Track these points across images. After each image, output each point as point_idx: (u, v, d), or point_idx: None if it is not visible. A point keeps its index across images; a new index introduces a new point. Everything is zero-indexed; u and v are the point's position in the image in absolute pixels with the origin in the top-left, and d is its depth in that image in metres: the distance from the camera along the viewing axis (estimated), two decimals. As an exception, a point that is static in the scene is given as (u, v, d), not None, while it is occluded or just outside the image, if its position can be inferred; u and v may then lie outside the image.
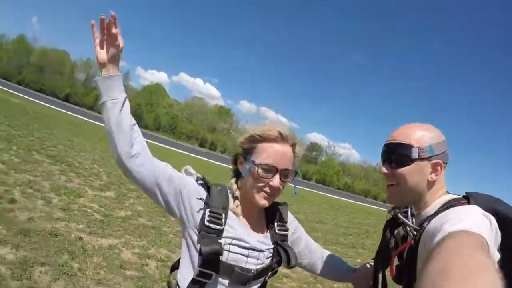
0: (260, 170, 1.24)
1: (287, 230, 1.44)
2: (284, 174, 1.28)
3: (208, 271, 1.21)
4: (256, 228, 1.37)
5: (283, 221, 1.44)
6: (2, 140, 8.46)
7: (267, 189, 1.27)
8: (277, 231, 1.40)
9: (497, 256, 0.93)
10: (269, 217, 1.43)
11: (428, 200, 1.19)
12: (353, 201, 41.45)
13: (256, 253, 1.31)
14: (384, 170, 1.23)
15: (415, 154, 1.15)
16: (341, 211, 21.91)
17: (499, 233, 0.95)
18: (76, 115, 31.31)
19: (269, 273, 1.39)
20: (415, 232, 1.13)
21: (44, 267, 3.37)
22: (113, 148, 1.22)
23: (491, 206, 1.04)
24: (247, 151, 1.31)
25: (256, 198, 1.29)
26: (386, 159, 1.23)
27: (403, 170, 1.17)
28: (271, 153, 1.26)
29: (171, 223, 6.63)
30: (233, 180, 1.40)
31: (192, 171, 1.40)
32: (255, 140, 1.29)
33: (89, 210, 5.63)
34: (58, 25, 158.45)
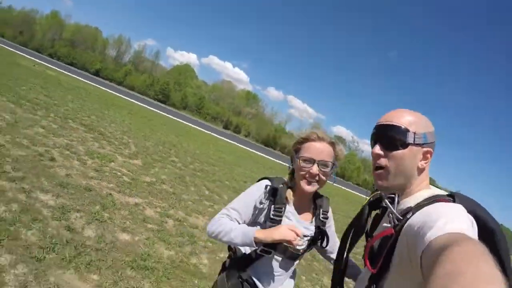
0: (301, 161, 1.65)
1: (327, 218, 1.80)
2: (322, 164, 1.64)
3: (269, 249, 1.63)
4: (304, 216, 1.78)
5: (325, 211, 1.80)
6: (41, 108, 9.17)
7: (308, 176, 1.64)
8: (321, 217, 1.77)
9: None
10: (316, 206, 1.81)
11: (412, 189, 1.20)
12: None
13: (303, 237, 1.73)
14: (378, 150, 1.21)
15: (410, 138, 1.16)
16: (355, 204, 21.65)
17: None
18: (106, 89, 32.40)
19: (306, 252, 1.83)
20: (397, 222, 1.11)
21: (79, 213, 3.96)
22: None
23: (473, 209, 1.03)
24: (296, 151, 1.72)
25: (301, 185, 1.67)
26: (379, 140, 1.22)
27: (397, 153, 1.17)
28: (310, 149, 1.66)
29: (190, 193, 7.22)
30: (289, 176, 1.81)
31: (262, 184, 1.75)
32: (300, 142, 1.71)
33: (118, 173, 6.25)
34: (90, 2, 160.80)
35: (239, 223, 1.67)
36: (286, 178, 1.81)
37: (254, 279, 1.69)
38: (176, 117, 36.19)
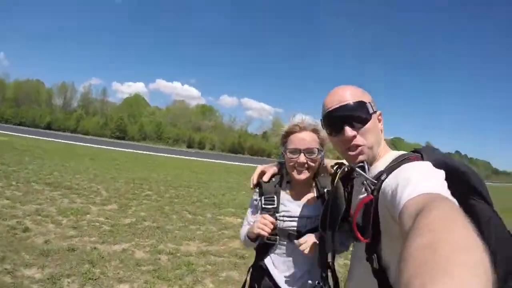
0: (288, 153, 1.77)
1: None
2: (308, 152, 1.74)
3: (273, 236, 1.78)
4: (306, 198, 1.86)
5: (324, 187, 1.83)
6: (0, 178, 8.79)
7: (297, 165, 1.75)
8: (326, 197, 1.77)
9: None
10: (320, 187, 1.85)
11: (378, 153, 1.25)
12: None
13: (304, 219, 1.80)
14: (350, 132, 1.20)
15: (370, 109, 1.21)
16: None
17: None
18: (61, 141, 31.32)
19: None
20: (373, 187, 1.13)
21: (70, 278, 3.83)
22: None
23: (442, 160, 1.08)
24: (283, 145, 1.83)
25: (293, 175, 1.79)
26: (347, 122, 1.21)
27: (367, 126, 1.21)
28: (294, 140, 1.77)
29: (174, 222, 7.14)
30: (284, 170, 1.90)
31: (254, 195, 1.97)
32: (284, 135, 1.83)
33: (97, 224, 6.08)
34: (25, 55, 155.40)
35: None
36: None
37: (268, 265, 1.84)
38: (138, 149, 35.45)
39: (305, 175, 1.77)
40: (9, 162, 11.90)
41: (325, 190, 1.82)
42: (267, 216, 1.75)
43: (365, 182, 1.17)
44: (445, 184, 0.93)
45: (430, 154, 1.13)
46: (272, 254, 1.85)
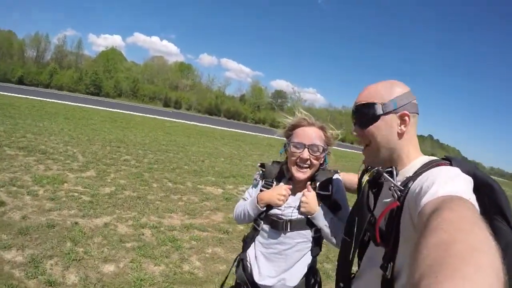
0: (292, 147, 1.73)
1: (328, 190, 1.77)
2: (312, 149, 1.70)
3: (258, 220, 1.84)
4: (300, 194, 1.78)
5: (325, 184, 1.78)
6: (-33, 142, 8.23)
7: (299, 161, 1.71)
8: (318, 190, 1.76)
9: None
10: (317, 185, 1.79)
11: (404, 158, 1.22)
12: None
13: (290, 209, 1.77)
14: (354, 131, 1.28)
15: (379, 110, 1.20)
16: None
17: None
18: (34, 97, 29.85)
19: (309, 227, 1.77)
20: (399, 193, 1.10)
21: (52, 259, 3.68)
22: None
23: (472, 170, 1.05)
24: (287, 137, 1.81)
25: (293, 171, 1.75)
26: (355, 121, 1.29)
27: (371, 127, 1.22)
28: (300, 134, 1.74)
29: (154, 190, 7.02)
30: (285, 167, 1.86)
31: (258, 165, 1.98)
32: (290, 128, 1.80)
33: (75, 194, 5.87)
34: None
35: None
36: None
37: (250, 258, 1.85)
38: (114, 108, 34.26)
39: (305, 174, 1.74)
40: (-22, 123, 11.16)
41: (317, 185, 1.78)
42: (288, 190, 1.78)
43: (392, 188, 1.14)
44: (471, 190, 0.91)
45: (460, 163, 1.10)
46: (257, 245, 1.85)
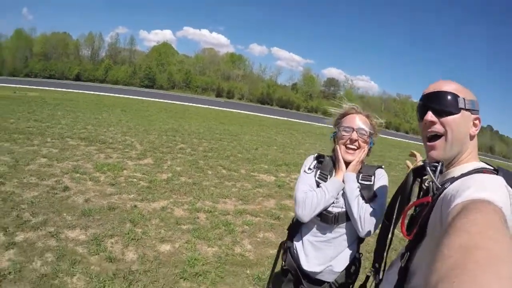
0: (342, 131, 1.85)
1: (370, 180, 1.84)
2: (360, 132, 1.82)
3: None
4: None
5: (366, 174, 1.86)
6: (35, 136, 8.79)
7: (348, 143, 1.83)
8: (360, 180, 1.84)
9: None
10: (362, 177, 1.87)
11: (462, 159, 1.18)
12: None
13: (340, 202, 1.82)
14: (431, 117, 1.17)
15: (461, 103, 1.13)
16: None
17: None
18: (92, 92, 31.44)
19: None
20: (435, 191, 1.09)
21: (113, 238, 3.87)
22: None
23: None
24: (337, 126, 1.92)
25: (342, 153, 1.85)
26: (431, 108, 1.18)
27: (452, 117, 1.14)
28: (349, 119, 1.88)
29: (209, 177, 7.14)
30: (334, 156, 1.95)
31: (311, 156, 2.02)
32: (340, 117, 1.93)
33: (134, 180, 6.14)
34: (50, 9, 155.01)
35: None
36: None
37: (296, 245, 1.92)
38: (168, 99, 35.55)
39: (353, 156, 1.84)
40: (42, 118, 11.90)
41: (362, 175, 1.86)
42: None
43: (430, 183, 1.15)
44: (507, 201, 0.85)
45: (508, 175, 1.04)
46: (304, 233, 1.91)
